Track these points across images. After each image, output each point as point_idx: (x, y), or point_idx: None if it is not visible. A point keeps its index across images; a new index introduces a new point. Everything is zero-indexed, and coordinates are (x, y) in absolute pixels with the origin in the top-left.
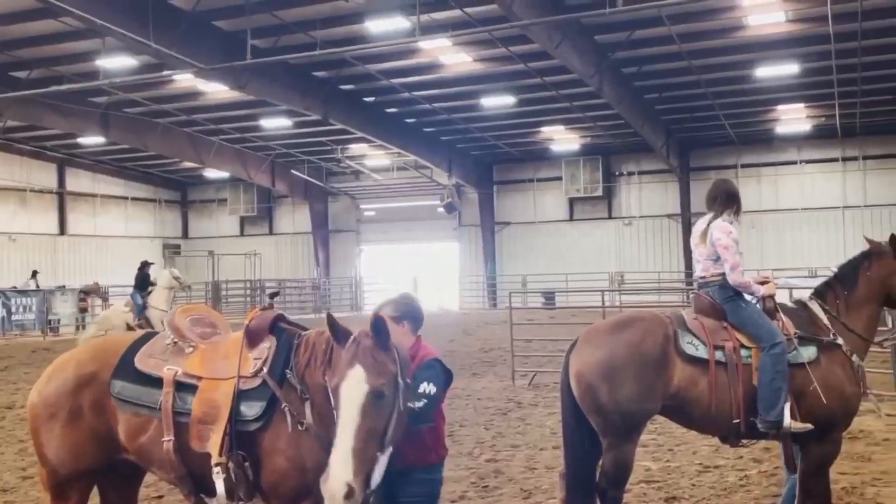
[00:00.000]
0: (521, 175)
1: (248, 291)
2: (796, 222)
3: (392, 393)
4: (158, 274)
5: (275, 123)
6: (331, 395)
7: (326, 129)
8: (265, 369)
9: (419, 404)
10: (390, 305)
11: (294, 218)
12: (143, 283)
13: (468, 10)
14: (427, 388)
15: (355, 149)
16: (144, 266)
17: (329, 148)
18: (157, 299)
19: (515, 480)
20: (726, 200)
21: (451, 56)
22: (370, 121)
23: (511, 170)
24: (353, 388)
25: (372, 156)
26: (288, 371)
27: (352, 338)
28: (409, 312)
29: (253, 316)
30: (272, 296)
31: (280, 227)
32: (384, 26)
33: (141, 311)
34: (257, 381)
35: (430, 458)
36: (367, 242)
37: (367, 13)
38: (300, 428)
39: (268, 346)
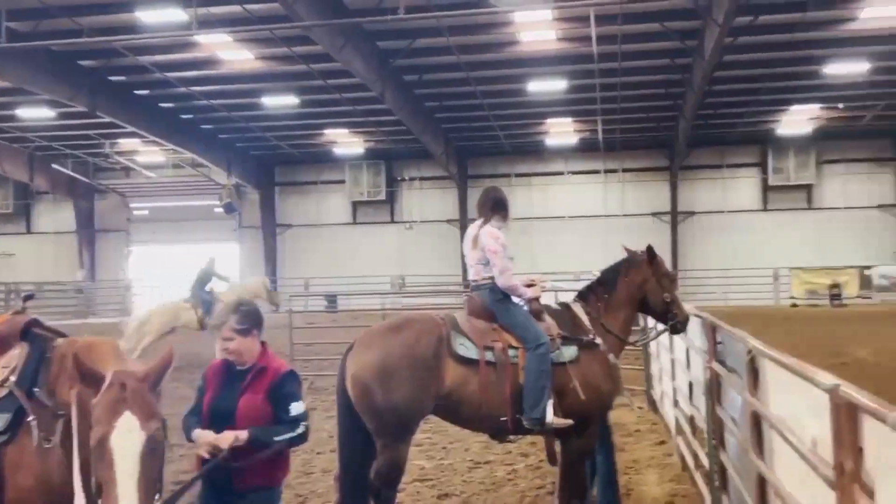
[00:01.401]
0: (303, 177)
1: (1, 295)
2: (564, 229)
3: (164, 434)
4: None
5: (34, 113)
6: (95, 448)
7: (93, 122)
8: (13, 378)
9: (299, 430)
10: (234, 317)
11: (56, 216)
12: (205, 278)
13: (248, 6)
14: (298, 408)
15: (126, 144)
16: (208, 262)
17: (96, 142)
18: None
19: (291, 486)
20: (495, 207)
21: (230, 52)
22: (142, 115)
23: (294, 171)
24: (127, 439)
25: (144, 152)
26: (39, 382)
27: (110, 380)
28: (255, 320)
29: (2, 321)
30: (26, 298)
31: (40, 225)
32: (158, 17)
33: (209, 307)
34: (3, 392)
35: (274, 478)
36: (139, 243)
37: (138, 2)
38: (47, 445)
39: (18, 353)
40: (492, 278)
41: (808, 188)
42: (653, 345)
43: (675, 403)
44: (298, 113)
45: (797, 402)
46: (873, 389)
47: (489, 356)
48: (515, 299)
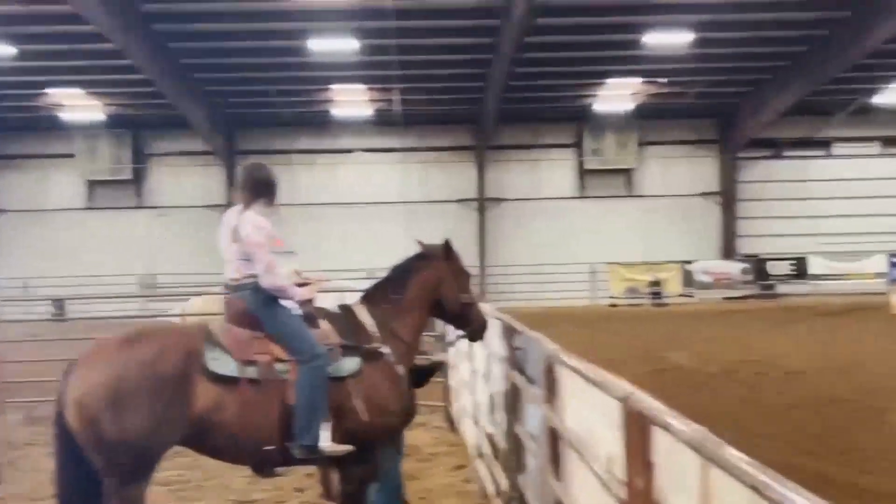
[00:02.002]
0: (22, 149)
1: None
2: (356, 217)
3: None
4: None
5: None
6: None
7: None
8: None
9: None
10: None
11: None
12: None
13: None
14: None
15: None
16: None
17: None
18: None
19: None
20: (258, 189)
21: None
22: None
23: (8, 141)
24: None
25: None
26: None
27: None
28: None
29: None
30: None
31: None
32: None
33: None
34: None
35: None
36: None
37: None
38: None
39: None
40: (255, 277)
41: (627, 173)
42: (453, 354)
43: (475, 421)
44: (14, 67)
45: (594, 415)
46: (685, 399)
47: (251, 372)
48: (285, 302)
